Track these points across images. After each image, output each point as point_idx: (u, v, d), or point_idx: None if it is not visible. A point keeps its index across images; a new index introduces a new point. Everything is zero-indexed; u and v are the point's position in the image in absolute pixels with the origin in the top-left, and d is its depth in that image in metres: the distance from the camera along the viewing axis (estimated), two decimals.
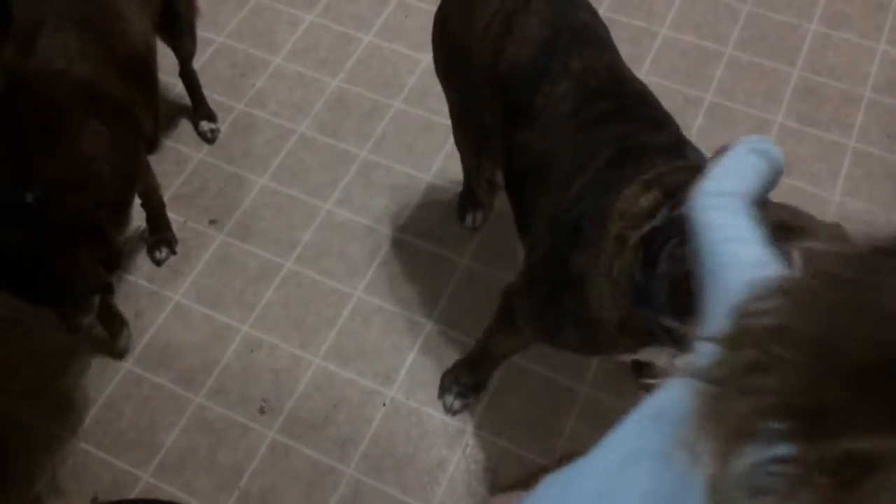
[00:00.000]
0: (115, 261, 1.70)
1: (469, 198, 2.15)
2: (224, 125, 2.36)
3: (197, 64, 2.43)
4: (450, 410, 1.90)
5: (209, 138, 2.32)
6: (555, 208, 1.44)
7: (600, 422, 1.85)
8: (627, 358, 1.43)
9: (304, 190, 2.25)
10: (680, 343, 1.19)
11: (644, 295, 1.22)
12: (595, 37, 1.56)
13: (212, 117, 2.34)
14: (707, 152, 2.28)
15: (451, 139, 2.26)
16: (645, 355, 1.39)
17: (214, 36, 2.54)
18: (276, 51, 2.52)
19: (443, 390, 1.92)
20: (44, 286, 1.58)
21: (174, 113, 2.36)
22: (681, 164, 1.33)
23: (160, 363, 1.97)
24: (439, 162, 2.29)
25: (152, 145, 1.93)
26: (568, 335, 1.43)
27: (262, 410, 1.91)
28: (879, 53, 2.47)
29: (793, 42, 2.49)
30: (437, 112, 2.36)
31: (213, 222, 2.19)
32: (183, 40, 2.18)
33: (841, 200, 2.19)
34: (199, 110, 2.34)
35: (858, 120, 2.33)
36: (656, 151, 1.36)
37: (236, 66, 2.48)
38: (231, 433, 1.88)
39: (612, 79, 1.51)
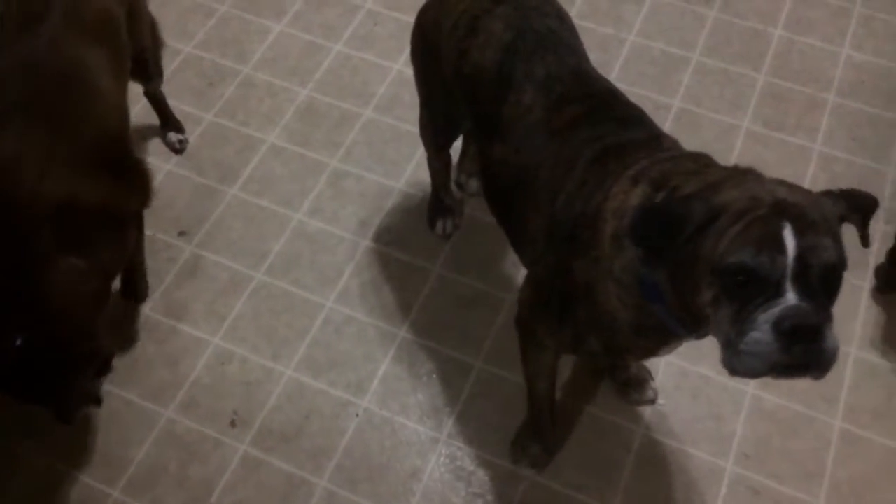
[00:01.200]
0: (107, 366, 1.68)
1: (438, 205, 2.15)
2: (193, 136, 2.35)
3: (165, 74, 2.42)
4: (525, 476, 1.82)
5: (178, 149, 2.30)
6: (547, 222, 1.43)
7: (571, 426, 1.87)
8: (651, 357, 1.44)
9: (274, 200, 2.23)
10: (696, 331, 1.21)
11: (652, 289, 1.23)
12: (559, 42, 1.56)
13: (180, 128, 2.32)
14: None
15: (422, 147, 2.27)
16: (665, 351, 1.40)
17: (182, 46, 2.53)
18: (245, 60, 2.50)
19: (515, 462, 1.83)
20: (39, 404, 1.59)
21: (141, 123, 2.34)
22: (663, 156, 1.33)
23: (129, 377, 1.95)
24: (410, 170, 2.28)
25: (139, 217, 1.86)
26: (591, 344, 1.41)
27: (233, 424, 1.89)
28: (843, 58, 2.51)
29: (758, 47, 2.52)
30: (408, 120, 2.36)
31: (182, 234, 2.17)
32: (152, 80, 2.16)
33: None
34: (167, 122, 2.31)
35: (823, 124, 2.37)
36: (635, 147, 1.36)
37: (205, 76, 2.47)
38: (202, 447, 1.86)
39: (577, 82, 1.51)
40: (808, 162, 2.29)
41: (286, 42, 2.55)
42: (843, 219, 1.18)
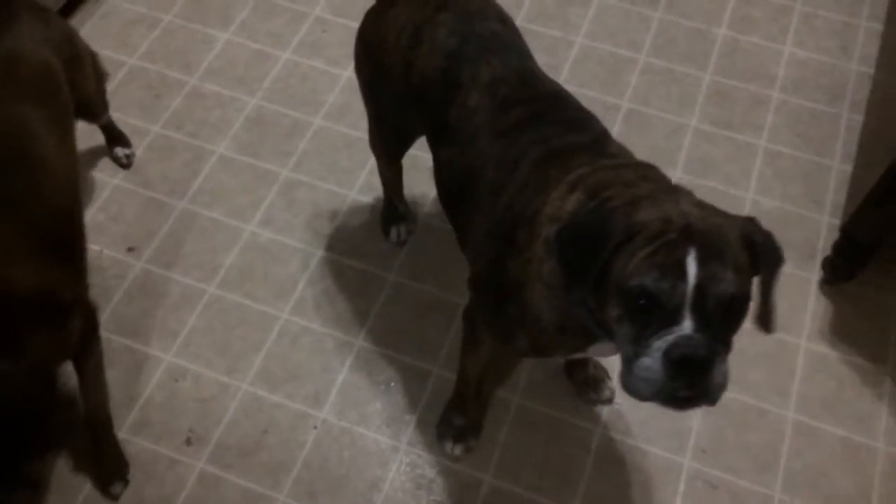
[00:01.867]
0: (49, 447, 1.61)
1: (392, 212, 2.14)
2: (139, 149, 2.31)
3: (109, 87, 2.37)
4: (453, 457, 1.84)
5: (124, 163, 2.26)
6: (488, 221, 1.44)
7: (533, 430, 1.88)
8: (578, 356, 1.45)
9: (225, 212, 2.20)
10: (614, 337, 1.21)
11: (575, 295, 1.23)
12: (503, 45, 1.56)
13: (126, 142, 2.27)
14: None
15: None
16: (592, 352, 1.41)
17: (126, 58, 2.48)
18: (191, 71, 2.47)
19: (440, 438, 1.85)
20: None
21: (86, 137, 2.29)
22: (605, 162, 1.34)
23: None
24: (363, 178, 2.27)
25: (88, 313, 1.64)
26: (520, 340, 1.43)
27: (189, 441, 1.86)
28: (786, 55, 2.56)
29: (703, 47, 2.56)
30: (359, 128, 2.35)
31: (130, 250, 2.13)
32: (99, 118, 2.09)
33: (754, 199, 2.25)
34: (112, 137, 2.26)
35: (768, 121, 2.41)
36: (579, 150, 1.37)
37: (150, 88, 2.43)
38: (157, 467, 1.82)
39: (523, 84, 1.51)
40: (755, 158, 2.33)
41: (233, 51, 2.52)
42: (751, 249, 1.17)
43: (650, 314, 1.11)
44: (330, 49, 2.53)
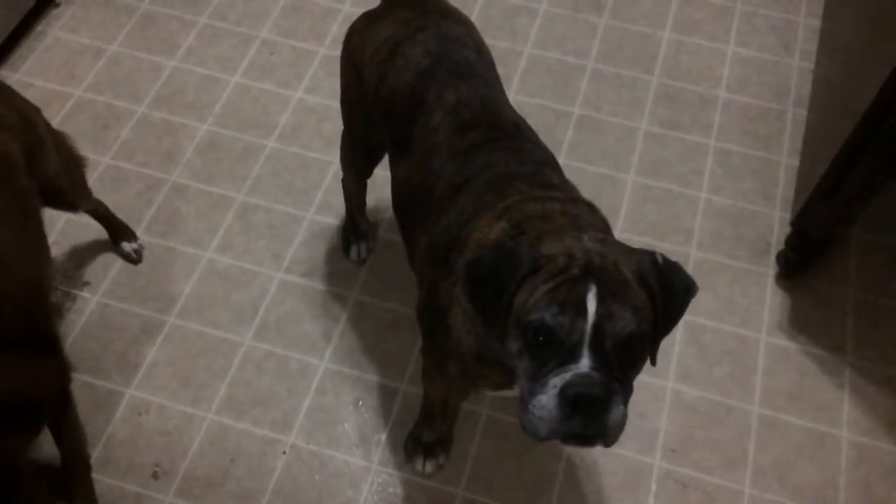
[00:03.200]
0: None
1: (353, 230, 2.14)
2: (90, 181, 2.26)
3: (55, 119, 2.34)
4: (424, 474, 1.83)
5: (134, 259, 2.13)
6: (429, 242, 1.45)
7: (503, 441, 1.87)
8: (506, 393, 1.43)
9: (181, 240, 2.18)
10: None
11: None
12: (474, 73, 1.58)
13: (131, 235, 2.14)
14: (580, 163, 2.35)
15: (330, 174, 2.25)
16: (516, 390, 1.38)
17: (72, 90, 2.44)
18: (139, 99, 2.44)
19: (409, 456, 1.84)
20: None
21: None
22: (537, 193, 1.35)
23: (41, 439, 1.85)
24: (319, 198, 2.26)
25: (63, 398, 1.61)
26: (450, 367, 1.43)
27: (155, 475, 1.83)
28: (729, 55, 2.61)
29: (649, 50, 2.60)
30: (312, 148, 2.34)
31: (86, 284, 2.09)
32: (77, 206, 1.92)
33: (707, 198, 2.29)
34: (114, 230, 2.12)
35: (716, 120, 2.45)
36: (517, 180, 1.39)
37: (98, 119, 2.39)
38: (125, 503, 1.79)
39: (484, 111, 1.53)
40: (706, 157, 2.37)
41: (181, 78, 2.49)
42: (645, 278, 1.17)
43: (548, 350, 1.11)
44: (279, 71, 2.52)
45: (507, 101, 1.62)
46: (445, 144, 1.50)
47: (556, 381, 1.09)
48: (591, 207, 1.37)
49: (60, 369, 1.58)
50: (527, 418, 1.14)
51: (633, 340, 1.11)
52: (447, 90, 1.53)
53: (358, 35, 1.71)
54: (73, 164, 1.85)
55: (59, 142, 1.80)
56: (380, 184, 2.20)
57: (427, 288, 1.46)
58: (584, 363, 1.09)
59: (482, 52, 1.66)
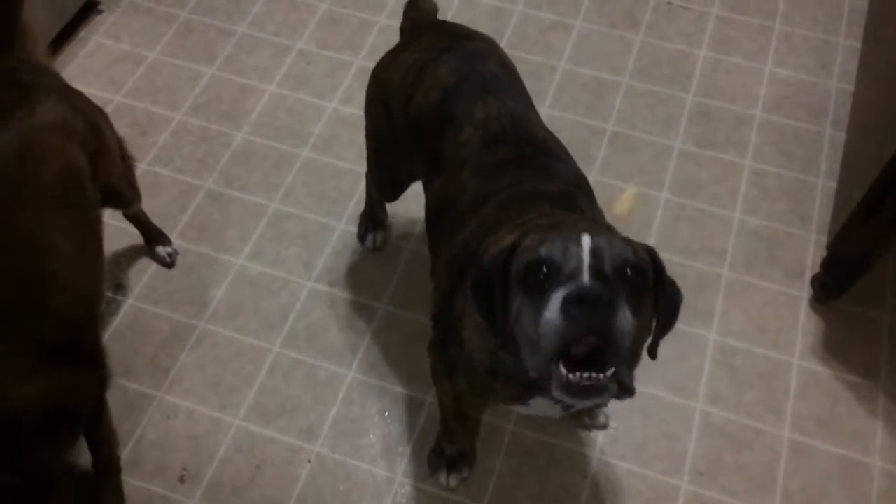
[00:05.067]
0: None
1: (372, 218, 2.16)
2: None
3: None
4: (448, 488, 1.82)
5: (167, 262, 2.15)
6: (450, 253, 1.45)
7: (528, 458, 1.86)
8: (521, 410, 1.42)
9: (213, 247, 2.20)
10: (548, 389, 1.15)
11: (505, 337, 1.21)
12: (502, 87, 1.58)
13: (165, 240, 2.17)
14: (613, 180, 2.35)
15: (362, 184, 2.27)
16: (534, 407, 1.37)
17: (112, 96, 2.49)
18: (177, 107, 2.48)
19: (432, 469, 1.83)
20: None
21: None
22: (558, 213, 1.35)
23: None
24: (351, 208, 2.28)
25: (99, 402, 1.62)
26: (460, 380, 1.42)
27: (182, 479, 1.84)
28: (767, 74, 2.58)
29: (685, 69, 2.59)
30: (346, 158, 2.36)
31: (119, 287, 2.12)
32: (130, 205, 1.93)
33: (741, 218, 2.27)
34: (150, 235, 2.15)
35: (752, 140, 2.43)
36: (542, 198, 1.39)
37: (136, 125, 2.43)
38: None
39: (514, 126, 1.53)
40: (740, 177, 2.35)
41: (218, 86, 2.53)
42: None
43: (549, 282, 1.08)
44: (315, 81, 2.54)
45: (536, 114, 1.62)
46: (474, 158, 1.50)
47: (558, 296, 1.05)
48: (610, 229, 1.34)
49: (101, 380, 1.59)
50: (532, 354, 1.09)
51: (633, 268, 1.09)
52: (476, 105, 1.54)
53: (384, 70, 1.74)
54: (129, 167, 1.87)
55: (120, 144, 1.82)
56: (409, 196, 2.21)
57: (442, 295, 1.46)
58: (586, 279, 1.06)
59: (507, 66, 1.66)
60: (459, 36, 1.70)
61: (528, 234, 1.21)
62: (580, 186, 1.49)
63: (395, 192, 1.95)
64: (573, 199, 1.42)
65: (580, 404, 1.35)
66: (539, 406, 1.35)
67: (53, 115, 1.52)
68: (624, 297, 1.07)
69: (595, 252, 1.08)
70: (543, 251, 1.10)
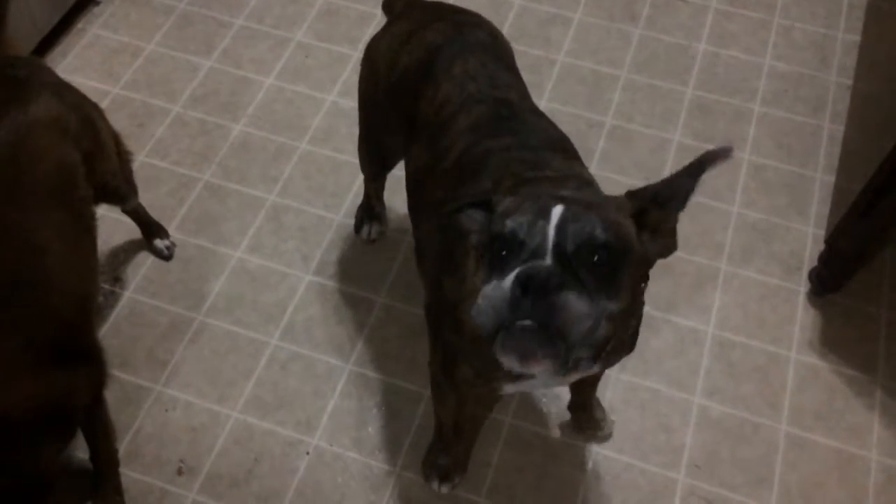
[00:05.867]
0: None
1: (368, 210, 2.16)
2: None
3: None
4: (440, 494, 1.81)
5: (165, 255, 2.14)
6: (432, 230, 1.43)
7: (526, 451, 1.87)
8: (525, 388, 1.41)
9: (212, 239, 2.20)
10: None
11: None
12: (485, 50, 1.58)
13: (163, 233, 2.16)
14: (612, 173, 2.34)
15: (361, 178, 2.26)
16: (541, 379, 1.34)
17: (110, 88, 2.48)
18: (175, 99, 2.47)
19: (426, 477, 1.82)
20: None
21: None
22: (528, 175, 1.32)
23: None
24: (349, 201, 2.27)
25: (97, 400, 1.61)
26: (462, 368, 1.40)
27: (180, 471, 1.85)
28: (766, 68, 2.58)
29: (684, 62, 2.58)
30: (345, 151, 2.36)
31: (117, 280, 2.12)
32: (126, 200, 1.93)
33: (740, 212, 2.27)
34: (149, 229, 2.14)
35: (751, 133, 2.43)
36: (518, 163, 1.37)
37: (134, 117, 2.42)
38: (148, 499, 1.80)
39: (491, 85, 1.52)
40: (739, 170, 2.35)
41: (216, 78, 2.52)
42: (642, 211, 1.14)
43: (514, 256, 1.06)
44: (313, 74, 2.54)
45: (516, 77, 1.61)
46: (450, 121, 1.48)
47: (511, 276, 1.03)
48: (589, 183, 1.33)
49: (99, 377, 1.59)
50: (477, 308, 1.07)
51: (601, 248, 1.04)
52: (455, 63, 1.54)
53: (376, 39, 1.76)
54: (125, 162, 1.86)
55: (116, 140, 1.80)
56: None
57: (430, 282, 1.45)
58: (547, 260, 1.04)
59: (496, 36, 1.67)
60: (453, 11, 1.73)
61: (508, 189, 1.20)
62: (557, 148, 1.45)
63: (382, 168, 1.95)
64: (550, 163, 1.38)
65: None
66: (543, 378, 1.32)
67: (47, 111, 1.50)
68: (580, 282, 1.03)
69: (560, 229, 1.05)
70: (509, 224, 1.07)
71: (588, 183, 1.34)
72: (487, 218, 1.15)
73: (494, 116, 1.46)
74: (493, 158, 1.39)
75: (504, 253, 1.07)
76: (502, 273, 1.05)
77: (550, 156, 1.41)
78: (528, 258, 1.05)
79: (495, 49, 1.62)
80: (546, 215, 1.05)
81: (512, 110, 1.49)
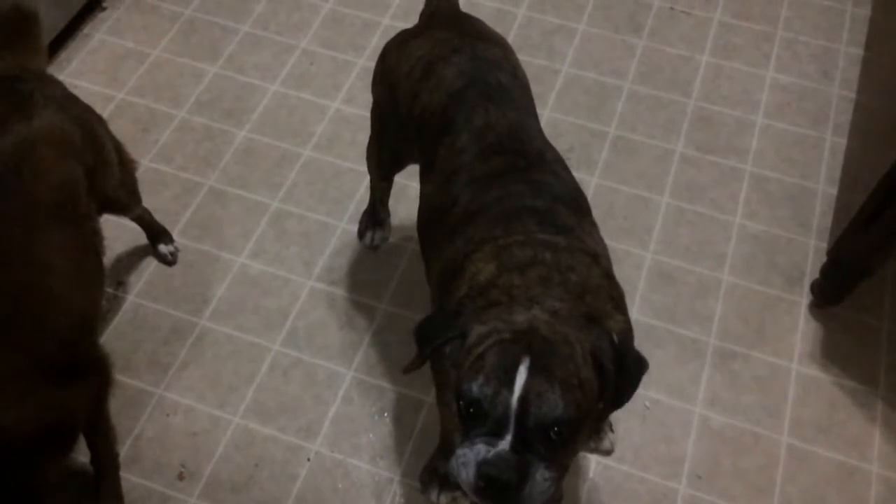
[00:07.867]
0: None
1: (373, 217, 2.16)
2: None
3: None
4: None
5: (170, 260, 2.15)
6: (440, 265, 1.45)
7: None
8: None
9: (215, 244, 2.20)
10: None
11: None
12: (506, 96, 1.57)
13: (168, 238, 2.17)
14: (614, 183, 2.35)
15: (364, 184, 2.27)
16: None
17: (114, 93, 2.49)
18: (179, 104, 2.48)
19: (424, 486, 1.82)
20: None
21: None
22: (539, 237, 1.33)
23: None
24: (352, 208, 2.28)
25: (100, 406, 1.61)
26: (447, 398, 1.44)
27: (181, 476, 1.84)
28: (768, 81, 2.59)
29: (687, 74, 2.59)
30: (348, 158, 2.36)
31: (120, 284, 2.12)
32: (130, 210, 1.93)
33: (741, 223, 2.27)
34: (153, 233, 2.15)
35: (753, 145, 2.44)
36: (530, 214, 1.38)
37: (138, 122, 2.43)
38: (149, 503, 1.80)
39: (510, 136, 1.52)
40: (741, 182, 2.35)
41: (221, 84, 2.53)
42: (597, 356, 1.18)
43: (477, 419, 1.13)
44: (318, 81, 2.55)
45: (537, 127, 1.60)
46: (467, 168, 1.49)
47: (480, 450, 1.11)
48: (593, 259, 1.33)
49: (102, 387, 1.58)
50: (453, 463, 1.16)
51: (560, 424, 1.10)
52: (476, 112, 1.53)
53: (393, 53, 1.73)
54: (129, 172, 1.85)
55: (119, 151, 1.79)
56: (411, 197, 2.21)
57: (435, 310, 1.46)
58: (507, 441, 1.10)
59: (517, 75, 1.65)
60: (474, 35, 1.68)
61: (485, 295, 1.25)
62: (569, 202, 1.45)
63: (394, 169, 1.95)
64: (558, 216, 1.40)
65: None
66: None
67: (51, 126, 1.49)
68: (538, 459, 1.11)
69: (522, 403, 1.10)
70: (475, 392, 1.11)
71: (588, 257, 1.33)
72: (460, 346, 1.20)
73: (511, 167, 1.47)
74: (507, 208, 1.40)
75: (472, 410, 1.13)
76: (470, 436, 1.13)
77: (562, 210, 1.42)
78: (491, 430, 1.11)
79: (516, 91, 1.60)
80: (511, 384, 1.10)
81: (528, 161, 1.49)
